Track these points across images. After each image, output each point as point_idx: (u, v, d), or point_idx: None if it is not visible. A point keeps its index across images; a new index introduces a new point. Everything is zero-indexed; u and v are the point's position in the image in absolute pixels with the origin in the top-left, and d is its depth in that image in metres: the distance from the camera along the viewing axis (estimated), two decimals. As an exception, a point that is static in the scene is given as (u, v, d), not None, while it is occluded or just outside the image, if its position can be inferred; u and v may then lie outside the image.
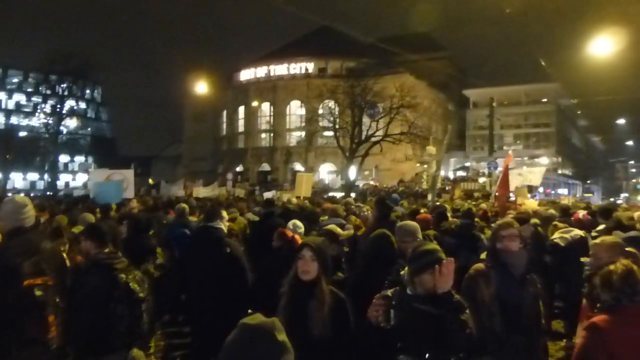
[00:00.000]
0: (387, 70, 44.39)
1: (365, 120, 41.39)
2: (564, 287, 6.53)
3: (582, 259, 5.93)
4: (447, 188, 32.82)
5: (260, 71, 56.08)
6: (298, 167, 46.55)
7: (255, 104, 52.70)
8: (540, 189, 48.97)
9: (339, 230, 4.40)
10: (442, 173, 45.80)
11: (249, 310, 4.53)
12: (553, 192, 51.44)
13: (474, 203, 11.67)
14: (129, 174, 12.31)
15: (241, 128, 58.09)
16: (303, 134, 52.13)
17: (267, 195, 17.01)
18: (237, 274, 4.31)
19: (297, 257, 3.10)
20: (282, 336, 1.61)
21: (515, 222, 4.09)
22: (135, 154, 60.33)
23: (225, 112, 59.31)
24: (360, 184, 40.51)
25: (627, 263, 2.95)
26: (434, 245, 3.11)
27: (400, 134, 38.57)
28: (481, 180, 36.47)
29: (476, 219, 7.80)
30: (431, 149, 17.67)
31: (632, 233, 4.78)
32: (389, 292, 3.11)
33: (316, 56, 53.16)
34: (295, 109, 53.60)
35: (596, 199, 47.89)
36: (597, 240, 4.58)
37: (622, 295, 2.78)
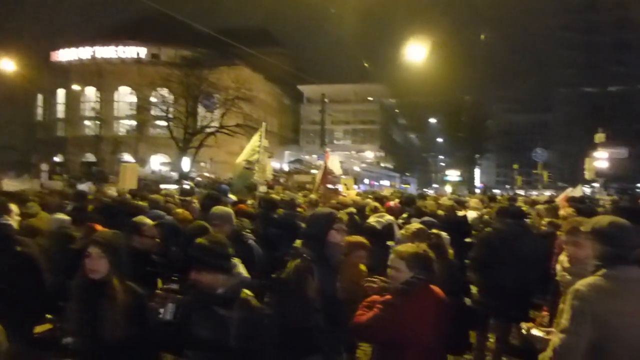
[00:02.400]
0: (223, 61, 43.73)
1: (200, 110, 40.38)
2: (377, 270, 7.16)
3: (388, 242, 6.58)
4: (281, 180, 33.67)
5: (84, 52, 51.00)
6: (127, 158, 43.57)
7: (77, 87, 47.88)
8: (366, 181, 53.10)
9: (148, 221, 4.20)
10: (278, 165, 46.94)
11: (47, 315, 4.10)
12: (377, 183, 56.03)
13: (301, 194, 12.10)
14: None
15: (61, 114, 52.35)
16: (133, 122, 48.86)
17: (81, 187, 15.31)
18: (29, 275, 3.85)
19: (84, 254, 2.86)
20: None
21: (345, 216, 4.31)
22: None
23: (41, 96, 52.92)
24: (195, 175, 39.45)
25: (418, 245, 3.30)
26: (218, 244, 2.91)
27: (235, 126, 38.41)
28: (314, 172, 38.19)
29: (300, 209, 8.14)
30: (265, 141, 17.84)
31: (425, 218, 5.37)
32: (175, 286, 3.08)
33: (149, 41, 50.16)
34: (125, 96, 49.97)
35: (413, 189, 53.20)
36: (402, 230, 5.07)
37: (418, 275, 3.09)
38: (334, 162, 18.48)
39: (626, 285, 2.52)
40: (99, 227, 4.33)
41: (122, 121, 50.51)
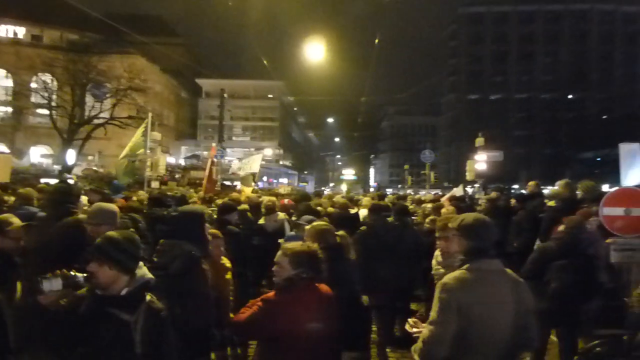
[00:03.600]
0: (115, 48, 41.25)
1: (89, 100, 37.73)
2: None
3: (280, 240, 6.60)
4: (177, 176, 32.54)
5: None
6: (2, 148, 39.55)
7: (-58, 67, 42.63)
8: (265, 178, 53.04)
9: (15, 220, 3.81)
10: (174, 161, 45.31)
11: None
12: (275, 181, 56.18)
13: (192, 190, 11.77)
14: None
15: None
16: (9, 109, 44.41)
17: None
18: None
19: None
20: None
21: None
22: None
23: None
24: (81, 169, 36.82)
25: (309, 245, 3.32)
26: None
27: (127, 118, 36.36)
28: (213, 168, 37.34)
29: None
30: (155, 134, 17.14)
31: (307, 217, 5.48)
32: (81, 278, 2.81)
33: (29, 21, 45.89)
34: (0, 80, 45.25)
35: (311, 188, 54.11)
36: (308, 227, 5.08)
37: (304, 273, 3.08)
38: (255, 160, 18.33)
39: (487, 276, 2.74)
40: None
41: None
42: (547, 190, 11.12)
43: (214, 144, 15.98)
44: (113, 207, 4.32)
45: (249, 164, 16.94)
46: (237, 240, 5.26)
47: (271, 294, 3.15)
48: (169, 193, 8.65)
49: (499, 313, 2.71)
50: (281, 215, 7.72)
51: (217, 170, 26.68)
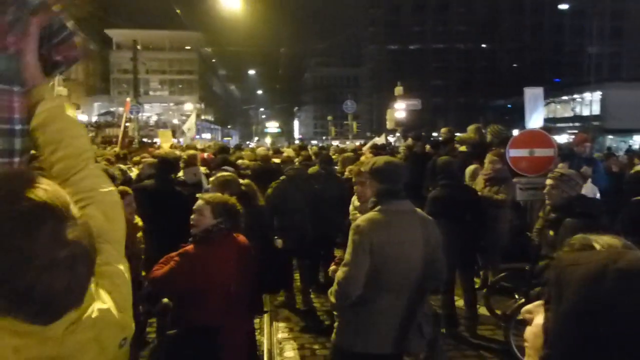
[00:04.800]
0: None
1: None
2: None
3: (198, 195, 6.48)
4: (90, 135, 30.72)
5: None
6: None
7: None
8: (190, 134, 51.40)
9: None
10: (86, 118, 42.64)
11: None
12: (198, 136, 54.65)
13: (108, 147, 11.18)
14: None
15: None
16: None
17: None
18: None
19: None
20: None
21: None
22: None
23: None
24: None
25: (222, 195, 3.28)
26: None
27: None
28: (128, 125, 35.56)
29: (105, 162, 7.56)
30: (61, 90, 15.97)
31: (226, 167, 5.42)
32: None
33: None
34: None
35: (235, 142, 53.17)
36: (212, 179, 5.02)
37: (216, 225, 3.06)
38: (192, 119, 17.58)
39: (397, 217, 2.84)
40: None
41: None
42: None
43: (128, 99, 15.11)
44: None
45: (188, 131, 16.31)
46: (151, 195, 5.07)
47: (189, 246, 3.10)
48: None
49: (410, 250, 2.82)
50: (202, 169, 7.55)
51: (135, 127, 25.51)
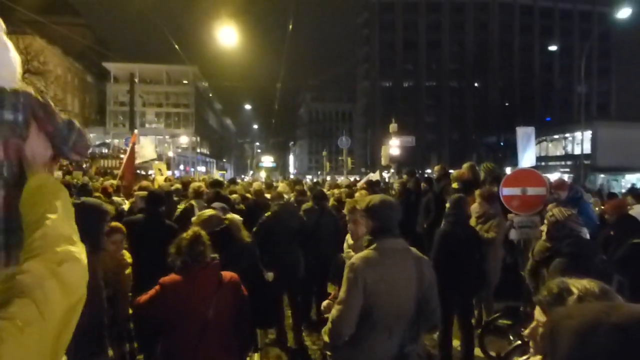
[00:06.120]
0: (10, 28, 37.83)
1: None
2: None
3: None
4: (84, 165, 30.68)
5: None
6: None
7: None
8: (182, 166, 51.46)
9: None
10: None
11: None
12: (192, 169, 54.71)
13: (103, 179, 11.16)
14: None
15: None
16: None
17: None
18: None
19: None
20: None
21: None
22: None
23: None
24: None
25: (194, 231, 3.30)
26: None
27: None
28: (123, 157, 35.57)
29: (98, 194, 7.54)
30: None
31: (216, 204, 5.41)
32: None
33: None
34: None
35: (229, 175, 53.22)
36: (194, 218, 5.01)
37: (188, 258, 3.12)
38: (147, 146, 17.51)
39: (391, 254, 2.84)
40: None
41: None
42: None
43: (136, 131, 15.09)
44: None
45: (146, 152, 16.11)
46: (140, 229, 5.07)
47: (168, 276, 3.20)
48: (70, 182, 8.13)
49: (403, 289, 2.81)
50: (193, 201, 7.54)
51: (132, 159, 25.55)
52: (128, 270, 3.91)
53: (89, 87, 58.67)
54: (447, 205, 5.49)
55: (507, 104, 58.57)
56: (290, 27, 17.43)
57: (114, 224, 3.90)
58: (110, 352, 3.32)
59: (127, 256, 4.04)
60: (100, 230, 3.22)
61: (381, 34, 77.02)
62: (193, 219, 4.37)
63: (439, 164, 9.92)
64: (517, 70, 65.97)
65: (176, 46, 21.40)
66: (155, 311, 3.13)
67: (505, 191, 6.32)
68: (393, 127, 19.62)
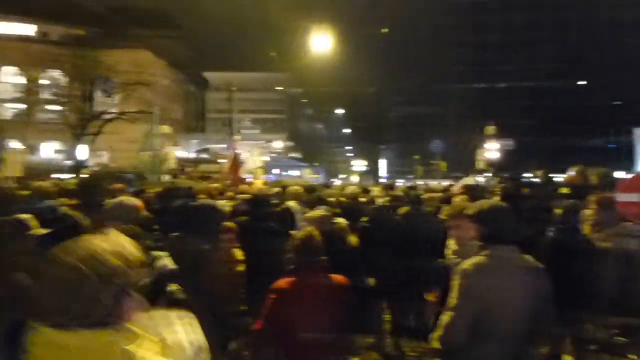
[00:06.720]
0: (121, 43, 41.33)
1: (98, 95, 37.94)
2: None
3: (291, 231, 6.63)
4: (186, 169, 32.64)
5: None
6: (14, 145, 39.84)
7: (-47, 66, 43.00)
8: (277, 171, 53.10)
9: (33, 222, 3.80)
10: (185, 154, 45.47)
11: None
12: (286, 173, 56.24)
13: (206, 183, 11.82)
14: None
15: None
16: (21, 106, 44.70)
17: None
18: None
19: None
20: None
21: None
22: None
23: None
24: (92, 164, 37.08)
25: (307, 232, 3.37)
26: None
27: (137, 112, 36.47)
28: (221, 161, 37.36)
29: (203, 196, 7.96)
30: (166, 128, 17.28)
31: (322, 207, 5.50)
32: None
33: (36, 18, 46.10)
34: (10, 77, 45.47)
35: (321, 179, 54.00)
36: (308, 214, 5.14)
37: (301, 259, 3.17)
38: (255, 156, 18.55)
39: (504, 262, 2.74)
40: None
41: (7, 104, 46.06)
42: (559, 179, 11.04)
43: (236, 138, 16.06)
44: (134, 201, 4.23)
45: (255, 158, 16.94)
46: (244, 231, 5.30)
47: (280, 280, 3.26)
48: (178, 186, 8.70)
49: (517, 299, 2.71)
50: (291, 203, 7.73)
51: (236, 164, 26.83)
52: (240, 267, 4.08)
53: (191, 96, 62.36)
54: (556, 211, 5.18)
55: (616, 103, 54.14)
56: (383, 31, 17.40)
57: (226, 223, 4.12)
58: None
59: (239, 254, 4.20)
60: (217, 228, 3.41)
61: (474, 35, 74.55)
62: (305, 215, 4.46)
63: (539, 168, 9.42)
64: (627, 67, 60.68)
65: (273, 54, 22.17)
66: (272, 323, 3.14)
67: (622, 197, 5.84)
68: (490, 129, 18.89)
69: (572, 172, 7.46)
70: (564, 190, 6.82)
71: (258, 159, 17.71)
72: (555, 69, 66.24)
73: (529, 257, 2.88)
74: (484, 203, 2.94)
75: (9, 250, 2.79)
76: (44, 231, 3.47)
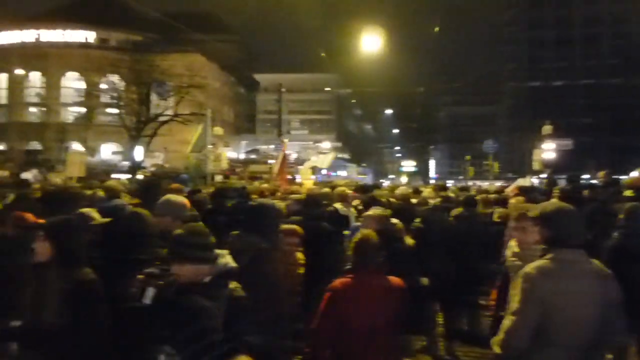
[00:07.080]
0: (174, 47, 42.65)
1: (153, 98, 39.31)
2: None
3: (345, 232, 6.64)
4: (237, 170, 33.26)
5: (26, 35, 48.54)
6: (75, 146, 41.88)
7: (21, 72, 45.58)
8: (324, 171, 53.28)
9: (94, 214, 4.00)
10: (235, 155, 46.41)
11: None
12: (333, 173, 56.33)
13: (257, 183, 12.01)
14: None
15: (3, 100, 49.76)
16: (81, 109, 46.97)
17: (26, 175, 14.77)
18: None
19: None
20: None
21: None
22: None
23: (-20, 80, 50.05)
24: (148, 165, 38.44)
25: (366, 233, 3.37)
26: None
27: (190, 114, 37.50)
28: (270, 162, 37.83)
29: (255, 196, 8.10)
30: (218, 129, 17.69)
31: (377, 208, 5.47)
32: (156, 270, 2.98)
33: (96, 25, 48.30)
34: (72, 82, 47.87)
35: (369, 180, 53.79)
36: (368, 213, 5.14)
37: (357, 260, 3.18)
38: (326, 157, 18.80)
39: (570, 267, 2.65)
40: (29, 216, 3.97)
41: (69, 108, 48.49)
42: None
43: (285, 140, 16.31)
44: (181, 199, 4.32)
45: (321, 159, 17.08)
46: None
47: (337, 280, 3.27)
48: (231, 186, 8.88)
49: (582, 305, 2.61)
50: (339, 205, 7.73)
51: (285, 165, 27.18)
52: (300, 270, 4.13)
53: (241, 98, 63.52)
54: (619, 215, 4.96)
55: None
56: (436, 29, 17.16)
57: (291, 227, 4.18)
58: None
59: (301, 257, 4.25)
60: (276, 228, 3.45)
61: (530, 31, 72.18)
62: (364, 214, 4.49)
63: (597, 169, 9.01)
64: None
65: (322, 54, 22.29)
66: (328, 322, 3.15)
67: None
68: (547, 129, 18.25)
69: (635, 174, 7.11)
70: (628, 193, 6.51)
71: (311, 159, 17.87)
72: (615, 65, 63.23)
73: (596, 262, 2.77)
74: (548, 204, 2.85)
75: (79, 242, 2.94)
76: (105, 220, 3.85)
